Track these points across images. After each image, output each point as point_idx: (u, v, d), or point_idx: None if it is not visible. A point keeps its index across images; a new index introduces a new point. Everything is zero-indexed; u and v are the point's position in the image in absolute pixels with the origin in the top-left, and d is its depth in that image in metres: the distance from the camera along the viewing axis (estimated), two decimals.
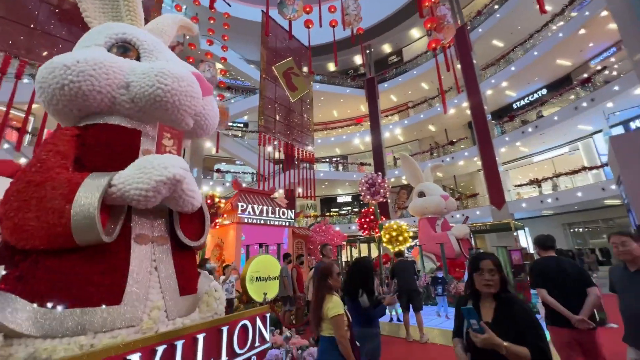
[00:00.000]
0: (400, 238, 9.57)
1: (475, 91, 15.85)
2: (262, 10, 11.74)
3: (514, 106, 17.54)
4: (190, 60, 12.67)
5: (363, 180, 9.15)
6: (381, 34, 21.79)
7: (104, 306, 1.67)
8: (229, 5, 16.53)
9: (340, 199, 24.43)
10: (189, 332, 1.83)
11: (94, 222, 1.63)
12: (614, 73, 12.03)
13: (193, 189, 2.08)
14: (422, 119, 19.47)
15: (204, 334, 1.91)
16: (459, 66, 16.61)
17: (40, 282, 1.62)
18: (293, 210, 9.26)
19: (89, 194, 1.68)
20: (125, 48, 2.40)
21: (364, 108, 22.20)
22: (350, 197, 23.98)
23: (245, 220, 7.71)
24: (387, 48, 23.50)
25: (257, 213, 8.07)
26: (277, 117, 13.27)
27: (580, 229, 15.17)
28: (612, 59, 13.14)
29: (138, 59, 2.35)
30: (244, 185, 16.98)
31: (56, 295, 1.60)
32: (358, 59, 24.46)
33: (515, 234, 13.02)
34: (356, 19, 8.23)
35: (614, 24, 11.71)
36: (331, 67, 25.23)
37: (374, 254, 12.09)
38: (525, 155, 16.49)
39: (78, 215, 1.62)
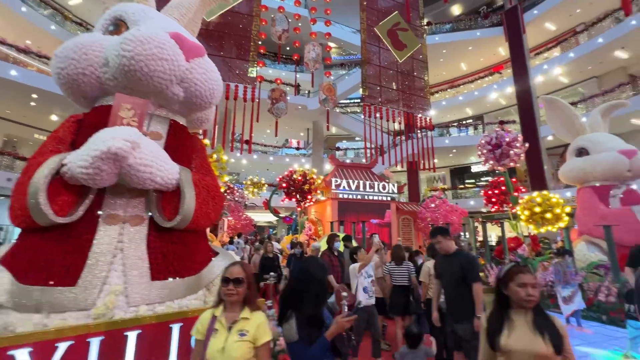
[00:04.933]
0: (549, 215, 6.93)
1: None
2: None
3: None
4: (296, 45, 13.12)
5: (483, 141, 7.03)
6: None
7: (60, 287, 1.67)
8: None
9: (475, 168, 20.61)
10: (136, 325, 1.64)
11: (38, 201, 1.61)
12: None
13: (148, 163, 1.84)
14: (601, 44, 13.38)
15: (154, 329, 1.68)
16: None
17: (19, 259, 1.75)
18: (396, 184, 8.26)
19: (40, 174, 1.67)
20: (115, 25, 2.38)
21: (503, 51, 17.39)
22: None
23: (340, 196, 7.41)
24: None
25: (354, 188, 7.61)
26: (383, 83, 12.13)
27: None
28: None
29: None
30: (363, 161, 16.86)
31: (25, 271, 1.70)
32: None
33: None
34: None
35: None
36: (455, 10, 20.91)
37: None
38: None
39: (30, 195, 1.65)
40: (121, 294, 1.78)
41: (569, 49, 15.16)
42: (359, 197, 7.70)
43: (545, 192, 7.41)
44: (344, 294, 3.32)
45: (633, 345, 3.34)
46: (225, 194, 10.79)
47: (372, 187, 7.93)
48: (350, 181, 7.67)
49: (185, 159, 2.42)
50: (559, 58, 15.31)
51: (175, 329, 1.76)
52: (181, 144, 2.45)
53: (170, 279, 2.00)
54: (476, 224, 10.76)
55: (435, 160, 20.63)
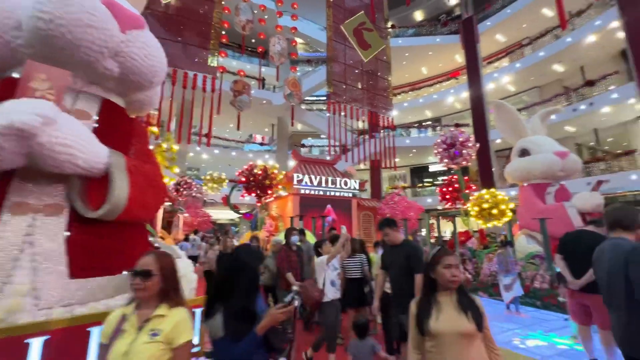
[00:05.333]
0: (495, 211, 7.49)
1: None
2: None
3: None
4: (262, 37, 12.76)
5: (439, 140, 7.38)
6: None
7: None
8: None
9: (432, 168, 21.73)
10: (42, 330, 1.40)
11: None
12: None
13: (68, 143, 1.59)
14: (543, 57, 14.76)
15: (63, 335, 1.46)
16: None
17: None
18: (357, 180, 8.38)
19: None
20: None
21: (459, 58, 18.46)
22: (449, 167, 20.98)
23: (302, 192, 7.33)
24: None
25: (316, 183, 7.58)
26: (349, 82, 12.25)
27: None
28: None
29: None
30: (328, 159, 16.87)
31: None
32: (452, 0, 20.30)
33: None
34: None
35: None
36: (418, 16, 21.79)
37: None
38: None
39: None
40: (28, 295, 1.52)
41: (516, 60, 16.55)
42: (321, 192, 7.68)
43: (493, 189, 7.98)
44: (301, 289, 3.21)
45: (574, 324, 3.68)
46: (182, 189, 10.19)
47: (334, 183, 7.96)
48: (313, 177, 7.62)
49: (121, 143, 2.17)
50: (508, 68, 16.64)
51: (96, 332, 1.54)
52: (116, 127, 2.19)
53: (96, 277, 1.76)
54: (432, 220, 11.34)
55: (397, 159, 21.38)
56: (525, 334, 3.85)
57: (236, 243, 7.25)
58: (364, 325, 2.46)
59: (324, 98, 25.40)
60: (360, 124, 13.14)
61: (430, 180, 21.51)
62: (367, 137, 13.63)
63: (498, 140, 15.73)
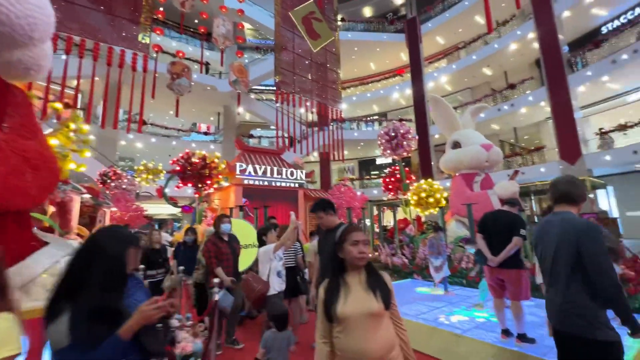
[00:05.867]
0: (432, 200, 8.05)
1: (547, 13, 12.30)
2: None
3: (603, 30, 13.38)
4: (204, 16, 11.82)
5: (382, 132, 7.64)
6: None
7: None
8: None
9: (379, 161, 22.71)
10: None
11: None
12: None
13: None
14: (474, 60, 16.21)
15: None
16: None
17: None
18: (304, 171, 8.31)
19: None
20: None
21: (405, 56, 19.38)
22: (392, 158, 22.09)
23: (246, 182, 7.02)
24: None
25: (260, 173, 7.31)
26: (298, 71, 12.02)
27: None
28: None
29: None
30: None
31: None
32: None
33: (591, 195, 10.42)
34: None
35: None
36: (367, 12, 22.29)
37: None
38: (615, 94, 12.75)
39: None
40: None
41: (453, 62, 17.94)
42: (265, 183, 7.43)
43: (430, 180, 8.56)
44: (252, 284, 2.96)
45: (482, 294, 4.09)
46: (109, 181, 9.09)
47: (280, 173, 7.77)
48: (257, 166, 7.33)
49: None
50: (445, 69, 17.96)
51: None
52: None
53: None
54: (375, 210, 11.85)
55: (346, 152, 21.95)
56: (450, 311, 4.17)
57: (168, 237, 6.68)
58: (283, 316, 2.36)
59: (274, 88, 24.77)
60: (310, 116, 13.13)
61: (377, 172, 22.48)
62: (316, 129, 13.64)
63: (437, 136, 16.96)
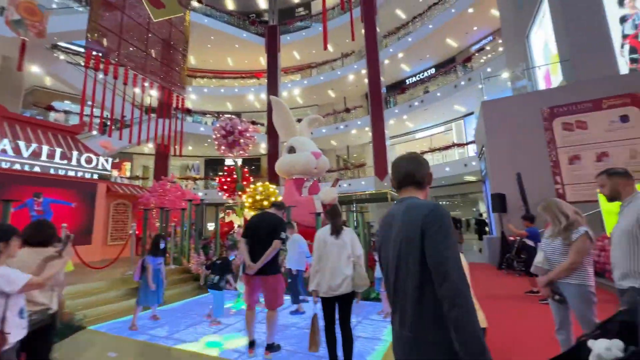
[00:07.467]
0: (266, 203, 7.92)
1: (375, 58, 15.15)
2: None
3: (407, 82, 17.79)
4: None
5: (218, 125, 6.93)
6: None
7: None
8: None
9: (229, 162, 21.62)
10: None
11: None
12: (489, 56, 12.79)
13: None
14: (322, 81, 18.08)
15: None
16: (362, 31, 15.50)
17: None
18: (110, 159, 6.42)
19: None
20: None
21: (263, 61, 19.41)
22: (241, 160, 21.44)
23: (2, 165, 4.62)
24: None
25: (28, 154, 5.02)
26: (128, 38, 9.60)
27: (445, 202, 16.80)
28: (488, 47, 14.02)
29: None
30: (95, 133, 12.58)
31: None
32: (263, 3, 21.15)
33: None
34: None
35: (497, 10, 12.20)
36: (229, 4, 21.16)
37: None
38: (410, 130, 17.06)
39: None
40: None
41: (305, 78, 19.41)
42: (38, 169, 5.18)
43: (266, 183, 8.45)
44: None
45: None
46: None
47: (68, 157, 5.63)
48: (24, 143, 5.01)
49: None
50: (298, 82, 19.20)
51: None
52: None
53: None
54: (221, 213, 10.89)
55: (190, 148, 19.64)
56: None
57: None
58: None
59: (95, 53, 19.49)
60: (149, 100, 10.78)
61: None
62: (153, 115, 11.35)
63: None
